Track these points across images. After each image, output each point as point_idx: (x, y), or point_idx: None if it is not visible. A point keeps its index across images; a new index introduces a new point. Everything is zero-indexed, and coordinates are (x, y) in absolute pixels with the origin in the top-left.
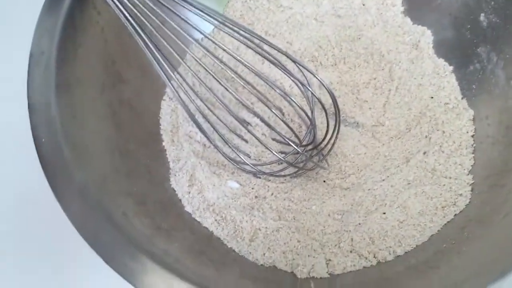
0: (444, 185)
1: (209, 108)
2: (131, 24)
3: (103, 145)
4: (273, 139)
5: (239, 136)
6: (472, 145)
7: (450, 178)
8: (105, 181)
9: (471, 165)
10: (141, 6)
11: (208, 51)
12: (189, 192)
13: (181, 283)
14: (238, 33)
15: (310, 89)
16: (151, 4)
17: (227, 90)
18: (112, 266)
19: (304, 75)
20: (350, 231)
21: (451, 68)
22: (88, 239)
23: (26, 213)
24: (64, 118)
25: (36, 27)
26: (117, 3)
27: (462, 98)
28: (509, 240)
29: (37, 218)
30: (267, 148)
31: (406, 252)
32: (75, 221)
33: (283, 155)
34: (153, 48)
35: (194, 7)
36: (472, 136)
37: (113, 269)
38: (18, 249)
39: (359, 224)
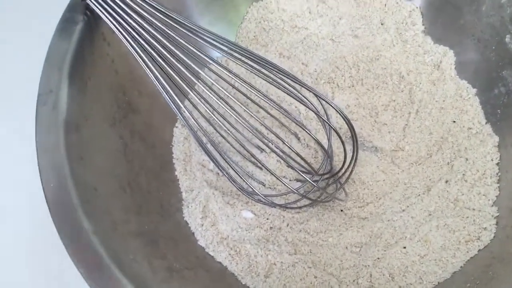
0: (467, 217)
1: (222, 135)
2: (140, 56)
3: (112, 184)
4: (288, 166)
5: (254, 163)
6: (497, 174)
7: (474, 209)
8: (114, 226)
9: (496, 196)
10: (149, 37)
11: (219, 76)
12: (202, 225)
13: None
14: (247, 60)
15: (325, 119)
16: (159, 36)
17: (238, 120)
18: None
19: (320, 102)
20: (368, 266)
21: (474, 90)
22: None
23: (36, 260)
24: (72, 159)
25: (44, 63)
26: (125, 34)
27: (486, 123)
28: None
29: (48, 266)
30: (278, 179)
31: None
32: (86, 274)
33: (299, 183)
34: (162, 79)
35: (200, 37)
36: (497, 164)
37: None
38: None
39: (378, 258)
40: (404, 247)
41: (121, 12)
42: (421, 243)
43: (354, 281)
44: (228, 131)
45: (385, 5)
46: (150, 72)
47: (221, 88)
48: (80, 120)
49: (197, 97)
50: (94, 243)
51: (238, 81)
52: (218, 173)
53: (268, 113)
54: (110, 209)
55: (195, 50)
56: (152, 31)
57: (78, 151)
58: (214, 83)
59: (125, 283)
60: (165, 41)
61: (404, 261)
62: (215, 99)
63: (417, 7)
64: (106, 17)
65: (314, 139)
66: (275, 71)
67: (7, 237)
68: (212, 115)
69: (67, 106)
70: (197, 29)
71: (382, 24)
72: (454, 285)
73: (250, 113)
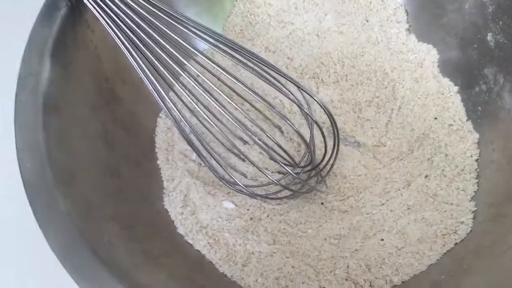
0: (445, 211)
1: (205, 127)
2: (122, 43)
3: (92, 168)
4: (271, 159)
5: (236, 155)
6: (475, 170)
7: (452, 204)
8: (90, 208)
9: (474, 191)
10: (134, 26)
11: (205, 68)
12: (182, 213)
13: None
14: (233, 52)
15: (307, 111)
16: (144, 26)
17: (223, 112)
18: None
19: (303, 95)
20: (346, 257)
21: (456, 88)
22: (71, 272)
23: (8, 237)
24: (51, 143)
25: (25, 47)
26: (110, 23)
27: (467, 120)
28: (508, 275)
29: (20, 243)
30: (261, 171)
31: (403, 282)
32: (58, 252)
33: (281, 175)
34: (146, 69)
35: (187, 28)
36: (476, 160)
37: None
38: None
39: (356, 250)
40: (382, 239)
41: None
42: (399, 235)
43: (331, 272)
44: (212, 123)
45: (370, 2)
46: (134, 62)
47: (206, 80)
48: (60, 104)
49: (181, 88)
50: (68, 224)
51: (224, 73)
52: (200, 164)
53: (253, 106)
54: (87, 192)
55: (181, 41)
56: (138, 20)
57: (57, 134)
58: (200, 75)
59: (98, 265)
60: (150, 31)
61: (381, 252)
62: (200, 90)
63: (401, 5)
64: (90, 3)
65: (296, 131)
66: (261, 64)
67: None
68: (196, 107)
69: (47, 89)
70: (184, 20)
71: (367, 21)
72: (430, 277)
73: (235, 106)
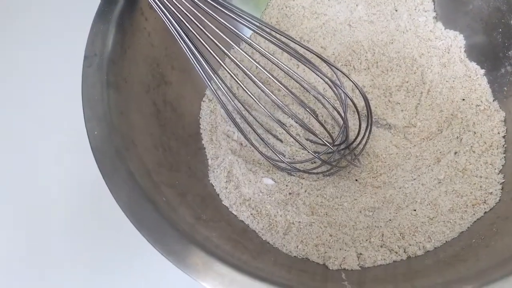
0: (474, 183)
1: (246, 109)
2: (175, 29)
3: (147, 140)
4: (307, 139)
5: (275, 136)
6: (503, 146)
7: (481, 177)
8: (149, 173)
9: (502, 165)
10: (184, 11)
11: (247, 54)
12: (227, 188)
13: (220, 265)
14: (275, 37)
15: (343, 90)
16: (194, 10)
17: (263, 92)
18: (157, 247)
19: (337, 78)
20: (380, 226)
21: (482, 71)
22: (136, 223)
23: (81, 201)
24: (113, 114)
25: (90, 31)
26: (163, 9)
27: (493, 100)
28: None
29: (91, 206)
30: (301, 145)
31: (435, 248)
32: (124, 207)
33: (317, 154)
34: (195, 51)
35: (234, 12)
36: (504, 136)
37: (157, 250)
38: (72, 233)
39: (390, 220)
40: (414, 210)
41: None
42: (431, 206)
43: (367, 240)
44: (254, 104)
45: None
46: (184, 46)
47: (248, 64)
48: (119, 81)
49: (227, 72)
50: (132, 183)
51: (266, 55)
52: (241, 143)
53: (290, 90)
54: (145, 160)
55: (230, 26)
56: (189, 5)
57: (118, 106)
58: (248, 56)
59: (158, 218)
60: (200, 15)
61: (414, 222)
62: (242, 74)
63: None
64: None
65: (332, 106)
66: (301, 46)
67: None
68: (238, 91)
69: (108, 68)
70: (231, 7)
71: (396, 10)
72: (461, 241)
73: (276, 85)
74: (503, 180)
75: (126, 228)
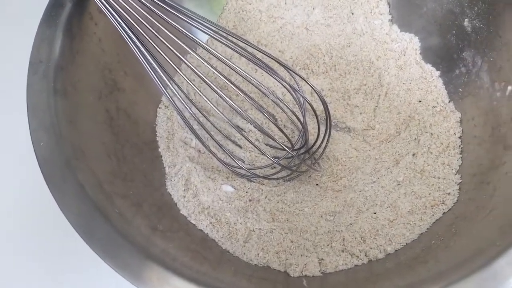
0: (432, 184)
1: (204, 115)
2: (126, 33)
3: (99, 150)
4: (267, 145)
5: (233, 142)
6: (459, 146)
7: (439, 178)
8: (100, 183)
9: (459, 165)
10: (136, 15)
11: (203, 60)
12: (185, 196)
13: (177, 279)
14: (232, 42)
15: (301, 94)
16: (146, 14)
17: (221, 97)
18: (109, 262)
19: (296, 82)
20: (342, 231)
21: (438, 73)
22: (85, 237)
23: (26, 215)
24: (61, 122)
25: (35, 36)
26: (113, 12)
27: (449, 101)
28: (492, 233)
29: (37, 220)
30: (260, 151)
31: (396, 250)
32: (73, 220)
33: (276, 159)
34: (149, 57)
35: (188, 16)
36: (460, 137)
37: (109, 265)
38: (18, 249)
39: (351, 224)
40: (375, 213)
41: None
42: (390, 209)
43: (328, 245)
44: (212, 110)
45: None
46: (137, 51)
47: (205, 69)
48: (68, 88)
49: (183, 78)
50: (81, 194)
51: (223, 60)
52: (199, 150)
53: (248, 95)
54: (97, 171)
55: (185, 31)
56: (141, 9)
57: (67, 115)
58: (204, 62)
59: (109, 230)
60: (154, 20)
61: (374, 225)
62: (199, 79)
63: None
64: None
65: (291, 111)
66: (258, 50)
67: None
68: (195, 96)
69: (55, 75)
70: (185, 11)
71: (352, 13)
72: (420, 243)
73: (234, 90)
74: (460, 181)
75: (78, 244)
